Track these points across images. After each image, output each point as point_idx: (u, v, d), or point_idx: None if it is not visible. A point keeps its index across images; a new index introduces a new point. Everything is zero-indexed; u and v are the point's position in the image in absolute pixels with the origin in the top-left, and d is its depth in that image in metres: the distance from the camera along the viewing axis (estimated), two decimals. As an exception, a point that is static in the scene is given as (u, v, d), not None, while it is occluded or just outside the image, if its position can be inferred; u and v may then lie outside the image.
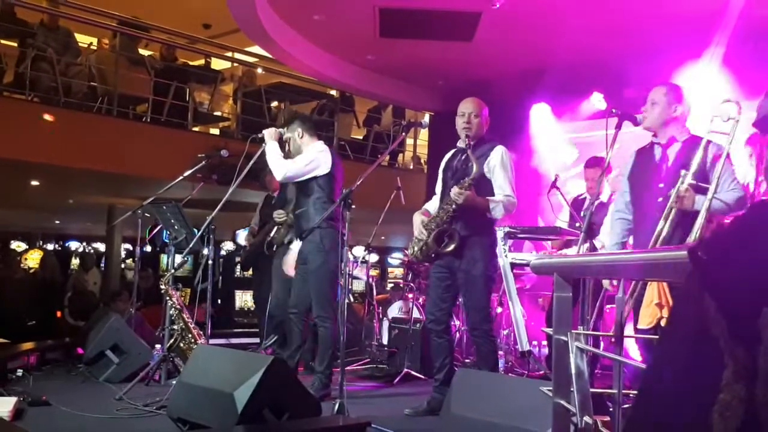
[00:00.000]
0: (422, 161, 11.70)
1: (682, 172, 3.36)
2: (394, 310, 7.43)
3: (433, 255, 4.40)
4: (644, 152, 3.77)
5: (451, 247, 4.29)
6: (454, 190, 4.22)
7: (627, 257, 1.81)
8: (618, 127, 3.70)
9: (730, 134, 3.39)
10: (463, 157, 4.45)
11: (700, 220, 3.24)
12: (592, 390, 2.01)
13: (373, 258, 14.61)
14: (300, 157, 4.83)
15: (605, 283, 3.70)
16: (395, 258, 15.35)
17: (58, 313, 8.71)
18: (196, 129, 9.55)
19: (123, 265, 12.70)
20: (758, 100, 3.71)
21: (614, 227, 3.84)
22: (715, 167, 3.38)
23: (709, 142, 3.48)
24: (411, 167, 12.04)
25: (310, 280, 4.77)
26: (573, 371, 1.87)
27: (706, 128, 3.51)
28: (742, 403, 0.81)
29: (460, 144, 4.50)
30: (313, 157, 4.79)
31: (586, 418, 1.79)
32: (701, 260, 0.91)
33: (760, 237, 0.87)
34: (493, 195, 4.36)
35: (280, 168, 4.77)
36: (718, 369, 0.84)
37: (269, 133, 4.88)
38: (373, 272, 12.32)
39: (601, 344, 4.33)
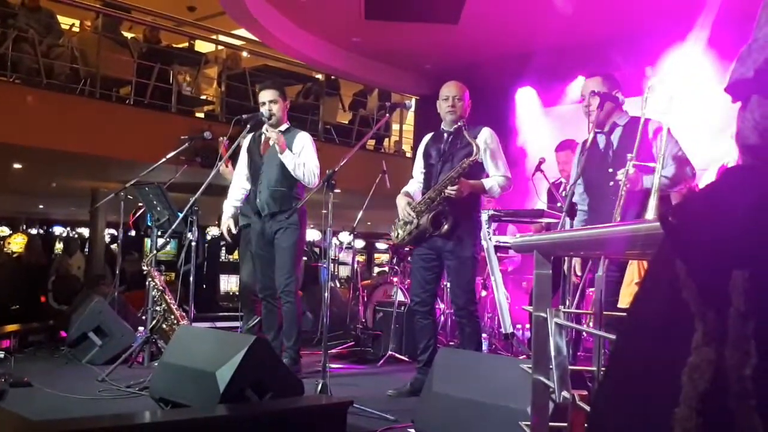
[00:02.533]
0: (409, 146, 11.68)
1: (628, 155, 3.44)
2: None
3: (427, 236, 4.39)
4: (590, 144, 3.85)
5: (446, 228, 4.30)
6: (448, 191, 4.23)
7: (608, 231, 1.80)
8: (600, 108, 3.71)
9: (666, 110, 3.51)
10: (450, 139, 4.45)
11: (652, 200, 3.30)
12: (571, 367, 2.02)
13: (360, 244, 14.63)
14: (308, 153, 4.86)
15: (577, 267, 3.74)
16: (382, 243, 15.38)
17: (42, 298, 8.65)
18: (180, 112, 9.49)
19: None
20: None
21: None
22: (657, 144, 3.50)
23: (647, 120, 3.59)
24: (397, 150, 12.03)
25: (280, 255, 4.82)
26: (552, 347, 1.87)
27: (643, 110, 3.62)
28: (711, 365, 0.81)
29: (445, 127, 4.50)
30: (315, 154, 4.90)
31: (565, 393, 1.80)
32: (672, 225, 0.91)
33: (730, 202, 0.87)
34: (482, 176, 4.40)
35: (314, 173, 4.79)
36: (689, 333, 0.84)
37: (280, 146, 4.81)
38: (360, 258, 12.34)
39: (584, 325, 4.36)
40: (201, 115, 10.30)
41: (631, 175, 3.43)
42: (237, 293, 6.37)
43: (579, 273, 3.67)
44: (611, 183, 3.59)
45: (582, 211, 3.89)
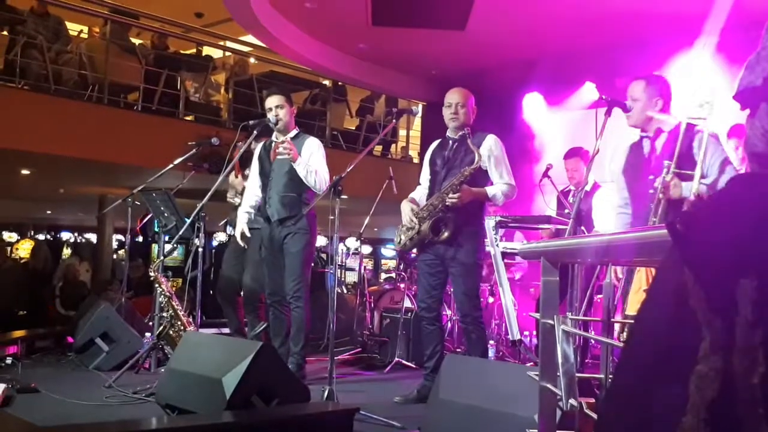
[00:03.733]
0: (416, 152, 11.68)
1: (665, 162, 3.36)
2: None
3: (426, 242, 4.40)
4: (635, 147, 3.80)
5: (446, 235, 4.31)
6: (450, 198, 4.23)
7: (616, 238, 1.79)
8: (608, 114, 3.70)
9: (706, 117, 3.41)
10: (455, 146, 4.45)
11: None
12: (579, 375, 2.02)
13: (367, 250, 14.61)
14: (317, 161, 4.86)
15: (612, 275, 3.65)
16: (389, 249, 15.36)
17: (50, 307, 8.67)
18: (187, 118, 9.52)
19: (115, 256, 12.67)
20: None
21: (617, 223, 3.84)
22: (699, 151, 3.38)
23: (690, 126, 3.47)
24: (404, 156, 12.03)
25: (289, 260, 4.82)
26: (559, 354, 1.86)
27: (684, 116, 3.53)
28: (718, 374, 0.80)
29: (450, 134, 4.51)
30: (324, 160, 4.90)
31: (572, 401, 1.79)
32: (680, 233, 0.90)
33: (738, 210, 0.87)
34: (487, 183, 4.41)
35: (325, 180, 4.79)
36: (696, 341, 0.84)
37: (292, 156, 4.80)
38: (367, 262, 12.32)
39: (591, 332, 4.34)
40: (209, 121, 10.34)
41: (668, 182, 3.36)
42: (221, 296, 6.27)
43: (620, 275, 3.59)
44: (651, 190, 3.50)
45: (625, 213, 3.81)
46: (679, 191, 3.37)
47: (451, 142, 4.50)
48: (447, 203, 4.28)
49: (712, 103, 3.39)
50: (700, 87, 3.58)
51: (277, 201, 4.89)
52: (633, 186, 3.74)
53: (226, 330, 7.26)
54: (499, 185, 4.39)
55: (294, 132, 4.99)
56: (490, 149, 4.39)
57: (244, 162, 5.47)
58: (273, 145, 4.99)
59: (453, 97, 4.46)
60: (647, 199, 3.52)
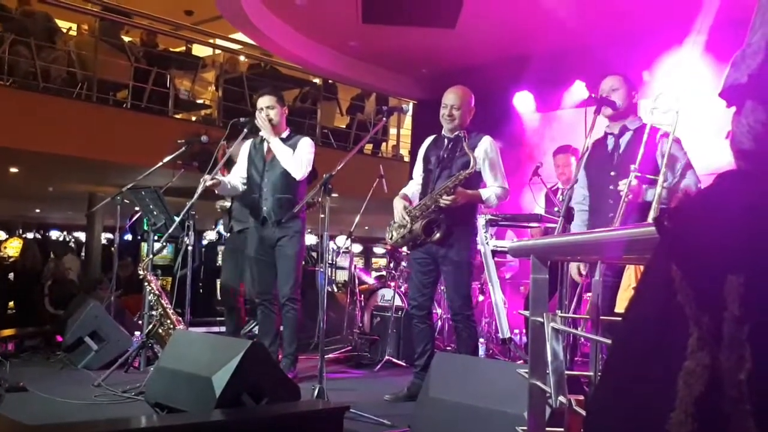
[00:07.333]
0: (407, 150, 11.69)
1: (632, 167, 3.42)
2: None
3: (418, 242, 4.40)
4: (598, 143, 3.88)
5: (438, 236, 4.31)
6: (443, 200, 4.23)
7: (605, 235, 1.79)
8: (597, 112, 3.71)
9: (672, 124, 3.48)
10: (450, 146, 4.44)
11: (652, 213, 3.28)
12: (569, 372, 2.02)
13: (358, 248, 14.61)
14: (302, 155, 4.84)
15: (573, 271, 3.75)
16: (379, 247, 15.36)
17: (39, 305, 8.61)
18: (177, 116, 9.49)
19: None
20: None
21: (575, 220, 3.91)
22: (663, 156, 3.46)
23: (654, 129, 3.55)
24: (395, 155, 12.04)
25: (286, 263, 4.82)
26: (548, 352, 1.87)
27: (650, 120, 3.63)
28: (706, 369, 0.80)
29: (445, 133, 4.50)
30: (311, 156, 4.88)
31: (561, 398, 1.80)
32: (667, 228, 0.90)
33: (725, 205, 0.87)
34: (480, 185, 4.41)
35: (299, 168, 4.79)
36: (684, 337, 0.84)
37: (267, 130, 4.81)
38: (357, 261, 12.30)
39: (581, 330, 4.36)
40: (198, 118, 10.31)
41: (634, 186, 3.41)
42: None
43: (583, 272, 3.65)
44: (611, 186, 3.57)
45: (584, 210, 3.88)
46: (642, 196, 3.47)
47: (446, 141, 4.49)
48: (441, 205, 4.27)
49: (677, 110, 3.45)
50: (665, 93, 3.65)
51: (273, 202, 4.85)
52: (595, 182, 3.82)
53: (216, 328, 7.26)
54: (492, 188, 4.40)
55: (285, 133, 4.96)
56: (485, 151, 4.40)
57: (230, 163, 5.42)
58: (266, 144, 4.95)
59: (449, 98, 4.44)
60: (608, 194, 3.59)
